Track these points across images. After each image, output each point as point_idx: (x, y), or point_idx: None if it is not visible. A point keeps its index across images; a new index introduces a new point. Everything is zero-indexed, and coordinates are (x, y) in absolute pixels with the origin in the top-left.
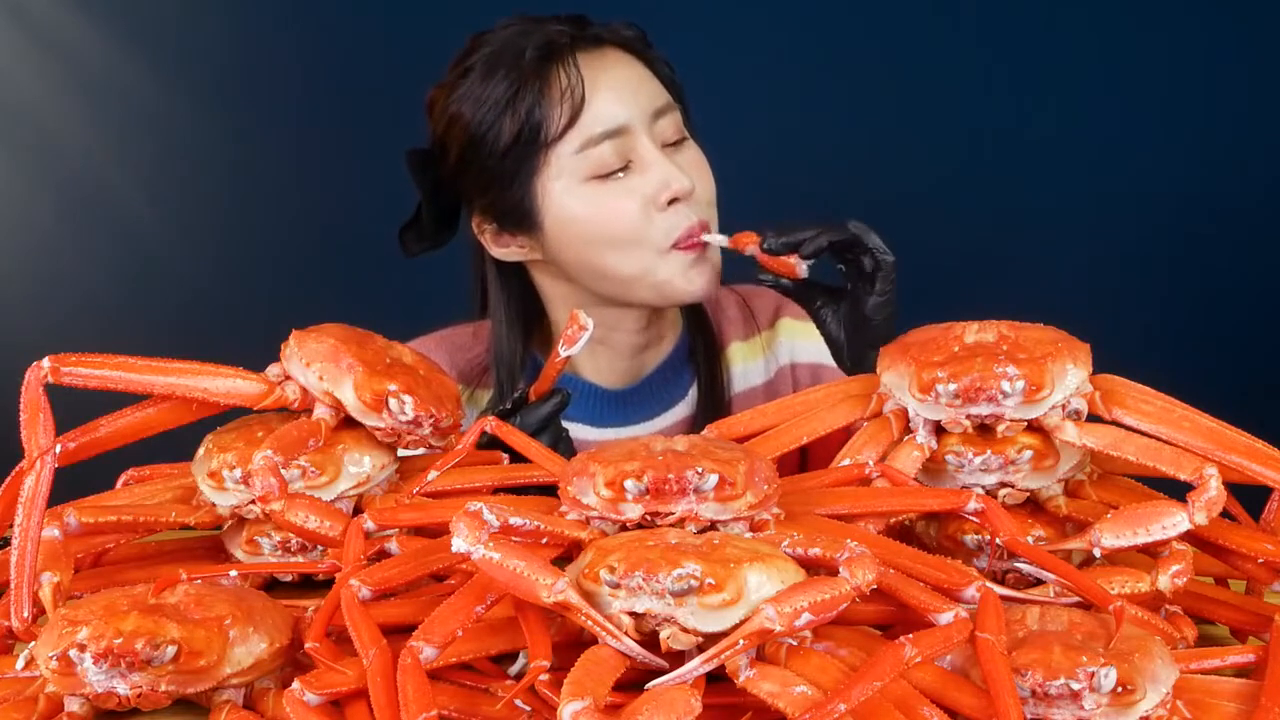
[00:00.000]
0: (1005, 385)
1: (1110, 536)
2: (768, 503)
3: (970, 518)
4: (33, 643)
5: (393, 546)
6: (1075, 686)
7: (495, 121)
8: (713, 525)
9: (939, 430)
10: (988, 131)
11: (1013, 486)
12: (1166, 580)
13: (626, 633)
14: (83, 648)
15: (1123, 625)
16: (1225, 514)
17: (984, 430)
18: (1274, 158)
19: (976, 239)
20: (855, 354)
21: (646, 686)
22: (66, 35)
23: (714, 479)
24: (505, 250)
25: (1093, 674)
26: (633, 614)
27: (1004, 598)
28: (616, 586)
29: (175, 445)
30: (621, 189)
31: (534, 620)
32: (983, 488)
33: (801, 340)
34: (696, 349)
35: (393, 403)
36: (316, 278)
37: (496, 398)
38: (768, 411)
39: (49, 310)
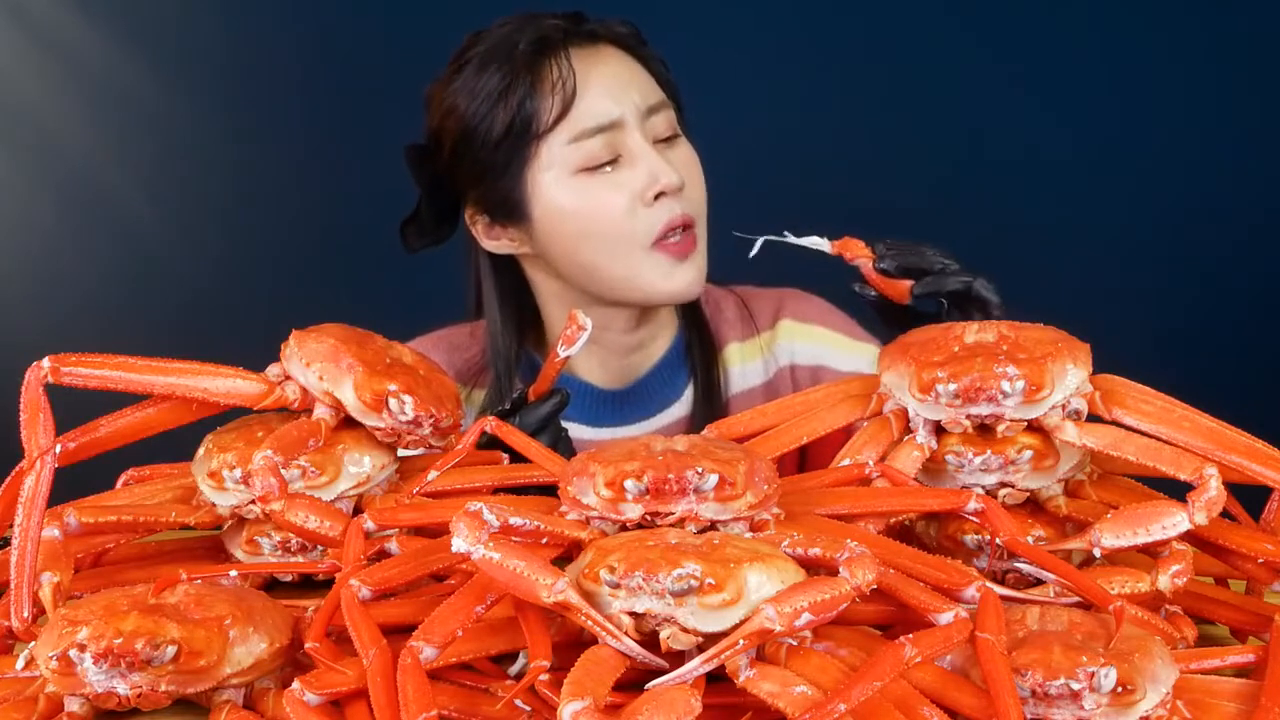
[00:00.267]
0: (1005, 385)
1: (1110, 536)
2: (768, 503)
3: (970, 518)
4: (33, 643)
5: (393, 546)
6: (1075, 686)
7: (489, 113)
8: (713, 525)
9: (939, 430)
10: (988, 131)
11: (1013, 486)
12: (1166, 580)
13: (626, 633)
14: (83, 648)
15: (1123, 625)
16: (1225, 514)
17: (984, 430)
18: (1274, 158)
19: (976, 239)
20: None
21: (646, 686)
22: (66, 35)
23: (714, 479)
24: (496, 243)
25: (1093, 674)
26: (633, 614)
27: (1004, 598)
28: (616, 586)
29: (175, 445)
30: (609, 182)
31: (534, 620)
32: (983, 488)
33: (801, 342)
34: (693, 349)
35: (393, 403)
36: (316, 278)
37: (494, 393)
38: (767, 411)
39: (49, 310)
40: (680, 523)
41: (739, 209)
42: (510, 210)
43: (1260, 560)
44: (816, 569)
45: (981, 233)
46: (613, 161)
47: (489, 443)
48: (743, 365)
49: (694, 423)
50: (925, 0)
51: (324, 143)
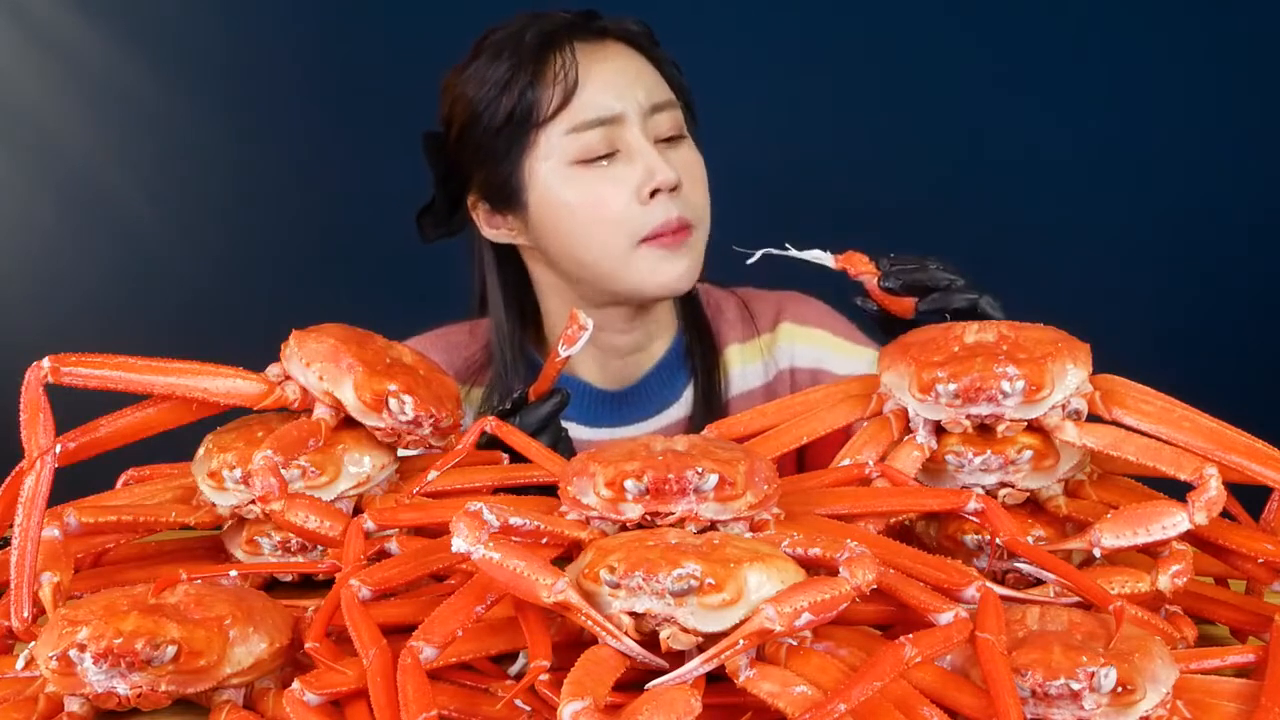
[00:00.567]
0: (1005, 385)
1: (1110, 536)
2: (768, 503)
3: (970, 518)
4: (33, 643)
5: (392, 546)
6: (1075, 686)
7: (494, 100)
8: (713, 525)
9: (939, 430)
10: (988, 131)
11: (1013, 486)
12: (1166, 580)
13: (626, 633)
14: (83, 648)
15: (1122, 625)
16: (1225, 514)
17: (984, 430)
18: (1274, 158)
19: (976, 239)
20: None
21: (646, 686)
22: (66, 35)
23: (714, 479)
24: (496, 232)
25: (1093, 674)
26: (633, 614)
27: (1004, 598)
28: (616, 586)
29: (175, 445)
30: (605, 176)
31: (534, 620)
32: (983, 488)
33: (802, 345)
34: (693, 351)
35: (393, 403)
36: (316, 278)
37: (496, 388)
38: (767, 412)
39: (49, 310)
40: (680, 523)
41: (739, 209)
42: (508, 197)
43: (1260, 560)
44: (816, 569)
45: (981, 233)
46: (610, 156)
47: (489, 443)
48: (743, 367)
49: (694, 424)
50: (925, 1)
51: (324, 143)
